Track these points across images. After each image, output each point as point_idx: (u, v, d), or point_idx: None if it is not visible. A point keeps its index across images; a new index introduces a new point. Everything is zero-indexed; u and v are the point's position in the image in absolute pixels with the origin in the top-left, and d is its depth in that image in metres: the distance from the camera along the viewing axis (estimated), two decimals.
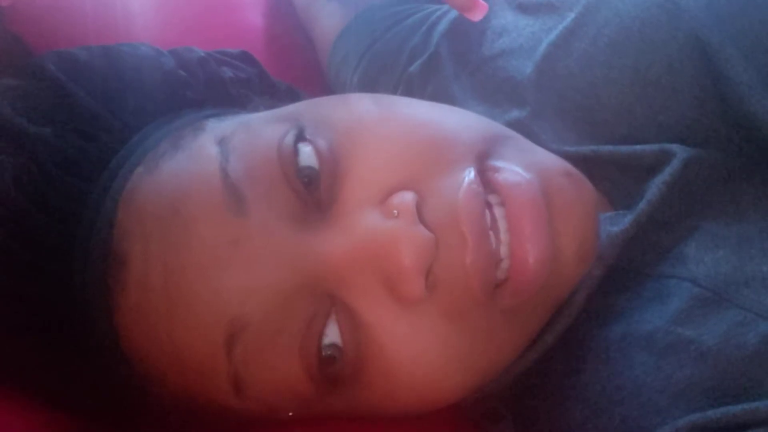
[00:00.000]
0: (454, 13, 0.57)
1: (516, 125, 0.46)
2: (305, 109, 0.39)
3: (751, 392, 0.32)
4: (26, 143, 0.35)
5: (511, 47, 0.50)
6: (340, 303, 0.34)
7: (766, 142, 0.39)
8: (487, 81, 0.51)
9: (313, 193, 0.35)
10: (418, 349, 0.34)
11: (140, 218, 0.34)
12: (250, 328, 0.33)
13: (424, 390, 0.36)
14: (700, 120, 0.41)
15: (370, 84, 0.63)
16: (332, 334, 0.34)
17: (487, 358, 0.37)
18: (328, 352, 0.34)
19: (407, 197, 0.34)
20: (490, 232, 0.35)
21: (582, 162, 0.42)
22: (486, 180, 0.35)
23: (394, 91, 0.59)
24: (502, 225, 0.35)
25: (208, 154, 0.35)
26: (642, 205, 0.39)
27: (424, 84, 0.57)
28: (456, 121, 0.38)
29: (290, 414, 0.37)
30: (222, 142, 0.36)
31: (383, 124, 0.37)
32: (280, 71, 0.52)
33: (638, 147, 0.42)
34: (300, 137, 0.36)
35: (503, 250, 0.35)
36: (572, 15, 0.46)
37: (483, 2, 0.51)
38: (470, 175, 0.34)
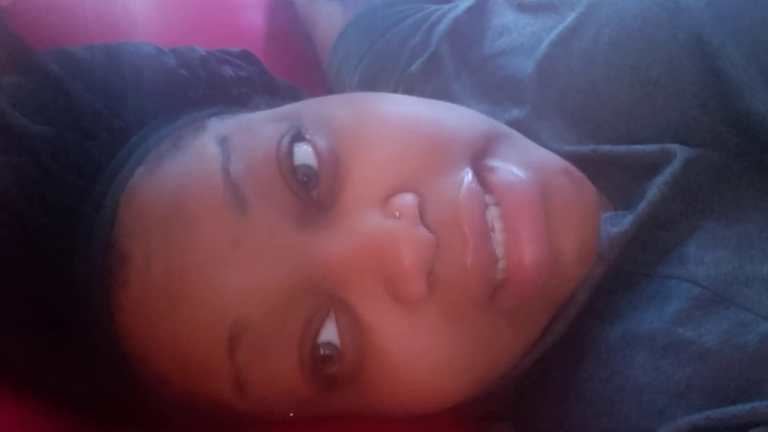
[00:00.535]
0: (454, 13, 0.57)
1: (516, 124, 0.46)
2: (305, 108, 0.39)
3: (752, 392, 0.32)
4: (27, 142, 0.35)
5: (512, 46, 0.50)
6: (340, 303, 0.34)
7: (766, 142, 0.39)
8: (488, 80, 0.51)
9: (311, 192, 0.35)
10: (418, 350, 0.34)
11: (141, 217, 0.34)
12: (252, 328, 0.33)
13: (425, 391, 0.36)
14: (701, 119, 0.41)
15: (371, 83, 0.63)
16: (330, 334, 0.34)
17: (487, 359, 0.36)
18: (326, 352, 0.34)
19: (408, 199, 0.34)
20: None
21: (582, 161, 0.41)
22: (482, 180, 0.35)
23: (394, 90, 0.59)
24: (497, 225, 0.35)
25: (210, 153, 0.35)
26: (642, 206, 0.39)
27: (424, 83, 0.57)
28: (455, 119, 0.38)
29: (291, 414, 0.37)
30: (223, 141, 0.36)
31: (384, 124, 0.37)
32: (281, 71, 0.52)
33: (638, 147, 0.42)
34: (297, 137, 0.36)
35: (499, 251, 0.34)
36: (573, 14, 0.46)
37: None
38: (469, 175, 0.34)
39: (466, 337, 0.35)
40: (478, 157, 0.36)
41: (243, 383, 0.34)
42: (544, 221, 0.34)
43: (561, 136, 0.45)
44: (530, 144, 0.39)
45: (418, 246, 0.33)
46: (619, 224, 0.39)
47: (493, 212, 0.35)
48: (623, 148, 0.42)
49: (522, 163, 0.36)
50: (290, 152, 0.35)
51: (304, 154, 0.35)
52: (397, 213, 0.33)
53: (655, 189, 0.39)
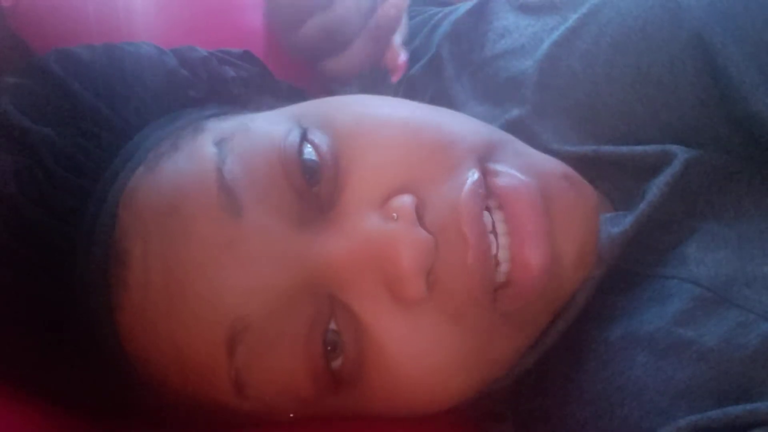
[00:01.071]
0: (455, 15, 0.57)
1: (517, 124, 0.46)
2: (306, 109, 0.39)
3: (752, 393, 0.32)
4: (28, 142, 0.35)
5: (513, 47, 0.50)
6: (340, 304, 0.34)
7: (767, 143, 0.39)
8: (489, 81, 0.51)
9: (314, 188, 0.35)
10: (419, 350, 0.34)
11: (141, 217, 0.34)
12: (252, 329, 0.33)
13: (425, 391, 0.36)
14: (702, 119, 0.41)
15: (372, 86, 0.63)
16: (334, 336, 0.34)
17: (487, 359, 0.37)
18: (333, 354, 0.34)
19: (406, 200, 0.34)
20: (491, 235, 0.35)
21: (582, 161, 0.42)
22: (485, 183, 0.35)
23: (395, 93, 0.59)
24: (500, 228, 0.35)
25: (205, 154, 0.35)
26: (643, 206, 0.39)
27: (425, 86, 0.57)
28: (456, 125, 0.38)
29: (291, 415, 0.37)
30: (221, 142, 0.36)
31: (384, 127, 0.37)
32: (282, 71, 0.52)
33: (639, 147, 0.42)
34: (304, 136, 0.36)
35: (502, 254, 0.35)
36: (575, 15, 0.46)
37: (402, 64, 0.56)
38: (474, 176, 0.35)
39: (466, 338, 0.35)
40: (481, 160, 0.36)
41: (243, 384, 0.34)
42: (547, 225, 0.34)
43: (562, 136, 0.45)
44: (530, 149, 0.39)
45: (416, 247, 0.33)
46: (619, 225, 0.39)
47: (495, 216, 0.35)
48: (624, 149, 0.42)
49: (523, 168, 0.36)
50: (297, 148, 0.35)
51: (306, 154, 0.35)
52: (394, 214, 0.34)
53: (655, 189, 0.39)
